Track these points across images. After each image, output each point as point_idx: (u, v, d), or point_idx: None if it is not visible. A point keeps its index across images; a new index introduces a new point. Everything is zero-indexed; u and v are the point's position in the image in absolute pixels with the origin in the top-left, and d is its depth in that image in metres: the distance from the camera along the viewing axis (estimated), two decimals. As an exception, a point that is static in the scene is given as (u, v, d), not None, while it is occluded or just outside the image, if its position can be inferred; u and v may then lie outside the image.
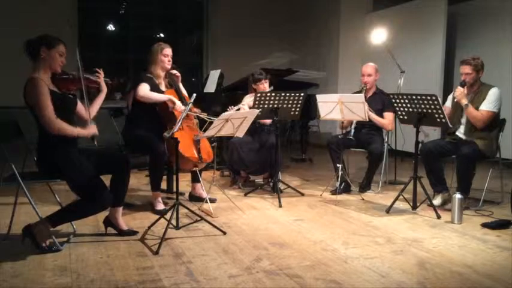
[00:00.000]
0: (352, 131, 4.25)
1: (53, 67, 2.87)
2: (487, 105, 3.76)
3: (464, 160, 3.71)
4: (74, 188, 2.81)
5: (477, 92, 3.85)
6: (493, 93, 3.77)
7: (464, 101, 3.78)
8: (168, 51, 3.88)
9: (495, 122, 3.85)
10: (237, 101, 4.82)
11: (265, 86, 4.62)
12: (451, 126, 3.77)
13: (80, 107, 3.06)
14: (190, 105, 3.21)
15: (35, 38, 2.86)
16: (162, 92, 3.84)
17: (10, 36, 7.22)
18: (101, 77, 3.18)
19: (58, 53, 2.87)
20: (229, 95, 5.71)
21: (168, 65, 3.89)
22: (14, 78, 7.08)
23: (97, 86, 3.16)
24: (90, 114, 3.01)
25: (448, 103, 4.10)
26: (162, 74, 3.91)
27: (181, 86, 4.07)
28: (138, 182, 4.70)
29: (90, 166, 2.87)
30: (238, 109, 4.56)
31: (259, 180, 4.88)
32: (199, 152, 3.71)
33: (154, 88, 3.80)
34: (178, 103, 3.75)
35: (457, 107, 3.93)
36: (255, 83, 4.66)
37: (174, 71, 3.98)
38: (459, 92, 3.80)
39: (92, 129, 2.96)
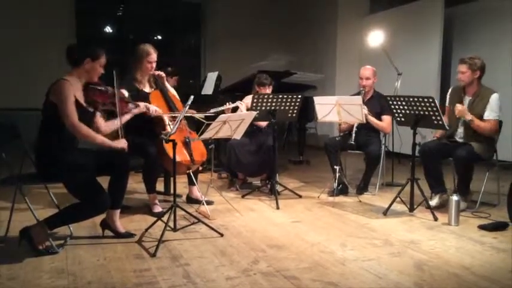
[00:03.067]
0: (353, 136, 4.25)
1: (92, 77, 2.94)
2: (492, 113, 3.76)
3: (461, 163, 3.72)
4: (72, 190, 2.81)
5: (477, 95, 3.84)
6: (495, 100, 3.76)
7: (468, 117, 3.74)
8: (154, 57, 3.80)
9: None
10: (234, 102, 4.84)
11: (267, 91, 4.63)
12: (447, 128, 3.78)
13: (98, 120, 3.08)
14: (187, 107, 3.20)
15: (81, 46, 2.94)
16: (144, 94, 3.80)
17: (9, 38, 7.25)
18: (136, 110, 3.28)
19: (100, 65, 2.94)
20: (227, 97, 5.70)
21: (151, 71, 3.83)
22: (13, 79, 7.16)
23: (126, 111, 3.22)
24: (121, 132, 3.08)
25: (447, 102, 4.11)
26: (142, 78, 3.86)
27: (169, 86, 4.02)
28: (136, 184, 4.69)
29: (88, 168, 2.87)
30: (236, 107, 4.56)
31: (256, 182, 4.88)
32: (191, 154, 3.69)
33: (133, 91, 3.74)
34: (152, 108, 3.62)
35: (454, 111, 3.93)
36: (258, 86, 4.68)
37: (158, 72, 3.88)
38: (458, 109, 3.76)
39: (122, 143, 3.00)
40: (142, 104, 3.54)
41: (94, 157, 2.99)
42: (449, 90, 4.16)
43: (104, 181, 2.93)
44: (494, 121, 3.76)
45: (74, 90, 2.82)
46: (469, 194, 3.90)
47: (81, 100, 2.88)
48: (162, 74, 3.91)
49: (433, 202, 3.87)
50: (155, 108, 3.67)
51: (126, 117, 3.27)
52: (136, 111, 3.35)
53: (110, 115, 3.18)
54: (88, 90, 2.94)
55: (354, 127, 4.29)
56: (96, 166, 2.93)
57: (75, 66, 2.90)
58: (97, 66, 2.94)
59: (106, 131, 3.10)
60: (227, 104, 4.43)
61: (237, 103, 4.55)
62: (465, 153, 3.69)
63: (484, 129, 3.75)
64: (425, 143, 3.98)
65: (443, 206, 3.86)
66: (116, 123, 3.15)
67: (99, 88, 2.98)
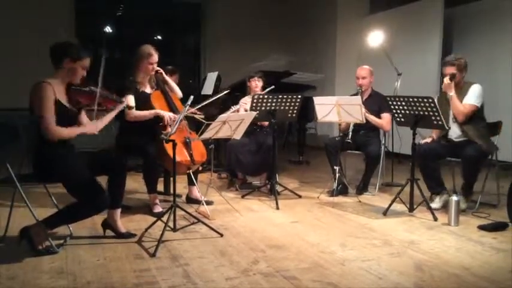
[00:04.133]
0: (350, 134, 4.26)
1: (73, 79, 2.85)
2: (469, 99, 3.80)
3: (469, 161, 3.71)
4: (71, 190, 2.80)
5: (460, 90, 3.87)
6: (474, 88, 3.81)
7: (450, 92, 3.81)
8: (155, 58, 3.80)
9: (480, 117, 3.87)
10: (234, 103, 4.84)
11: (256, 83, 4.67)
12: (447, 128, 3.78)
13: (83, 118, 3.02)
14: (187, 107, 3.20)
15: (61, 46, 2.81)
16: (145, 95, 3.81)
17: (9, 38, 7.24)
18: (120, 106, 3.11)
19: (81, 67, 2.84)
20: (227, 97, 5.69)
21: (152, 72, 3.83)
22: (12, 80, 7.14)
23: (113, 107, 3.09)
24: (98, 124, 2.95)
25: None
26: (143, 79, 3.86)
27: (170, 80, 4.00)
28: (136, 184, 4.69)
29: (86, 168, 2.87)
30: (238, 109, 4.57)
31: (256, 182, 4.88)
32: (191, 154, 3.69)
33: (136, 93, 3.75)
34: (166, 115, 3.68)
35: (443, 107, 3.93)
36: (249, 80, 4.74)
37: (157, 68, 3.87)
38: (447, 82, 3.82)
39: (90, 128, 2.89)
40: (159, 112, 3.63)
41: (90, 158, 2.98)
42: (436, 97, 4.14)
43: (103, 180, 2.93)
44: (470, 106, 3.78)
45: (56, 93, 2.75)
46: (471, 195, 3.89)
47: (64, 102, 2.83)
48: (160, 70, 3.90)
49: (436, 205, 3.86)
50: (169, 114, 3.69)
51: (112, 114, 3.09)
52: (120, 107, 3.13)
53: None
54: (71, 92, 2.86)
55: (351, 125, 4.30)
56: (93, 167, 2.92)
57: (56, 67, 2.82)
58: (78, 68, 2.83)
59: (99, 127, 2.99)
60: (231, 108, 4.46)
61: (241, 104, 4.56)
62: (473, 151, 3.68)
63: (458, 109, 3.79)
64: (421, 145, 3.97)
65: (444, 207, 3.87)
66: (103, 122, 3.01)
67: (83, 89, 2.89)
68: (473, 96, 3.79)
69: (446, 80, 3.83)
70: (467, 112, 3.78)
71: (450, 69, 3.85)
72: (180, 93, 4.08)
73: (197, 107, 3.72)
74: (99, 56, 2.97)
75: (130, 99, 3.70)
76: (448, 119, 3.93)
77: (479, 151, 3.70)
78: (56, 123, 2.75)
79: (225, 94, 3.97)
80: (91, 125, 2.93)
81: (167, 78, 3.99)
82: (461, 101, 3.82)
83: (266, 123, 4.63)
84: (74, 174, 2.78)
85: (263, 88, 4.73)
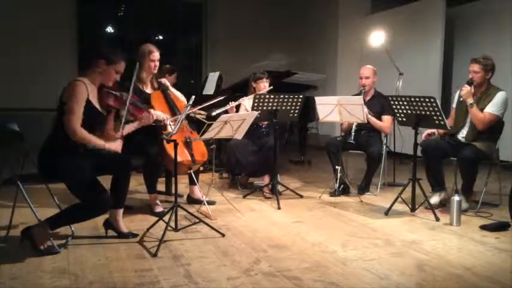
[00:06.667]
0: (352, 134, 4.26)
1: (106, 82, 2.90)
2: (491, 108, 3.74)
3: (466, 162, 3.70)
4: (73, 190, 2.80)
5: (485, 93, 3.82)
6: (500, 97, 3.75)
7: (469, 100, 3.75)
8: (156, 55, 3.80)
9: (497, 127, 3.83)
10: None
11: (265, 85, 4.62)
12: (449, 128, 3.77)
13: (110, 124, 3.04)
14: (188, 107, 3.20)
15: (96, 48, 2.87)
16: (146, 95, 3.79)
17: (10, 39, 7.25)
18: (151, 118, 3.24)
19: (115, 71, 2.88)
20: (228, 97, 5.69)
21: (154, 70, 3.84)
22: (13, 80, 7.16)
23: (141, 115, 3.17)
24: (122, 130, 3.00)
25: (454, 104, 4.10)
26: (147, 78, 3.87)
27: (174, 90, 4.00)
28: (137, 184, 4.69)
29: (89, 168, 2.86)
30: (238, 105, 4.56)
31: (258, 182, 4.87)
32: (192, 154, 3.69)
33: (136, 92, 3.72)
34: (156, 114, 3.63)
35: (462, 108, 3.92)
36: (255, 81, 4.64)
37: (163, 80, 3.93)
38: (466, 90, 3.77)
39: (114, 146, 2.93)
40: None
41: (95, 157, 2.98)
42: (458, 91, 4.06)
43: (106, 180, 2.93)
44: (490, 115, 3.73)
45: (89, 93, 2.80)
46: (471, 195, 3.89)
47: (96, 104, 2.87)
48: (166, 82, 3.92)
49: (432, 200, 3.86)
50: (158, 113, 3.67)
51: (134, 124, 3.21)
52: (145, 121, 3.27)
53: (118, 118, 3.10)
54: (102, 95, 2.90)
55: (353, 126, 4.30)
56: (98, 166, 2.92)
57: (89, 67, 2.86)
58: (111, 71, 2.88)
59: (114, 135, 3.04)
60: (229, 103, 4.43)
61: (240, 100, 4.55)
62: (470, 153, 3.67)
63: (478, 118, 3.73)
64: (427, 140, 3.96)
65: (443, 206, 3.86)
66: (127, 128, 3.12)
67: (114, 93, 2.94)
68: (496, 105, 3.72)
69: (466, 87, 3.76)
70: (488, 121, 3.72)
71: (474, 67, 3.80)
72: (184, 101, 4.04)
73: (198, 108, 3.72)
74: (134, 61, 3.02)
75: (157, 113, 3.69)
76: (465, 121, 3.89)
77: (475, 153, 3.69)
78: (84, 124, 2.77)
79: (220, 98, 3.95)
80: (112, 143, 2.94)
81: (172, 88, 3.99)
82: (485, 105, 3.75)
83: (264, 122, 4.61)
84: (76, 174, 2.77)
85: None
